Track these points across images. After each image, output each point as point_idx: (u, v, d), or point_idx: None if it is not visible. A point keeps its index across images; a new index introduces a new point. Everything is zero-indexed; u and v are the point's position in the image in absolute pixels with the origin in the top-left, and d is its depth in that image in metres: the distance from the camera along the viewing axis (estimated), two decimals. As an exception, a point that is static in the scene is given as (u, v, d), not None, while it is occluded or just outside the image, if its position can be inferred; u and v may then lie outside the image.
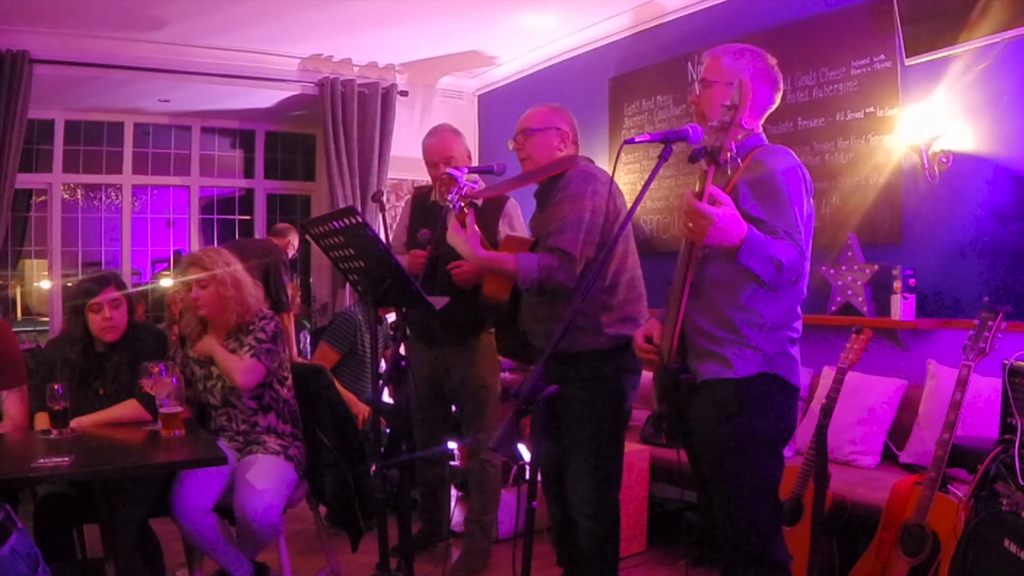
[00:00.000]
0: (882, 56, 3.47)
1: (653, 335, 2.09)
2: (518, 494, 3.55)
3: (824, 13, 3.73)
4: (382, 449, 3.11)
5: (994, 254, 3.13)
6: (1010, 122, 3.08)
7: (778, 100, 2.11)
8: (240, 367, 2.71)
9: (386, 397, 3.03)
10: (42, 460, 2.15)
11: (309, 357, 5.35)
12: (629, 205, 2.69)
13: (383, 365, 3.88)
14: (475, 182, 2.42)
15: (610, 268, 2.53)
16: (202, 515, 2.58)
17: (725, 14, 4.29)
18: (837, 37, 3.64)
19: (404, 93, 5.92)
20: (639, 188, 2.37)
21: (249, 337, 2.78)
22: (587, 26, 5.07)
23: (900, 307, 3.28)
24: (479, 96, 6.43)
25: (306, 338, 5.76)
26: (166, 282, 6.02)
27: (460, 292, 2.90)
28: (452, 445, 4.13)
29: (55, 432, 2.45)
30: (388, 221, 3.73)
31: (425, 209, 3.32)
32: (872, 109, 3.53)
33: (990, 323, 2.44)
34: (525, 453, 1.97)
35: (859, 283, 3.44)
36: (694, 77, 4.44)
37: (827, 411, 2.70)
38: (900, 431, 3.17)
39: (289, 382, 2.93)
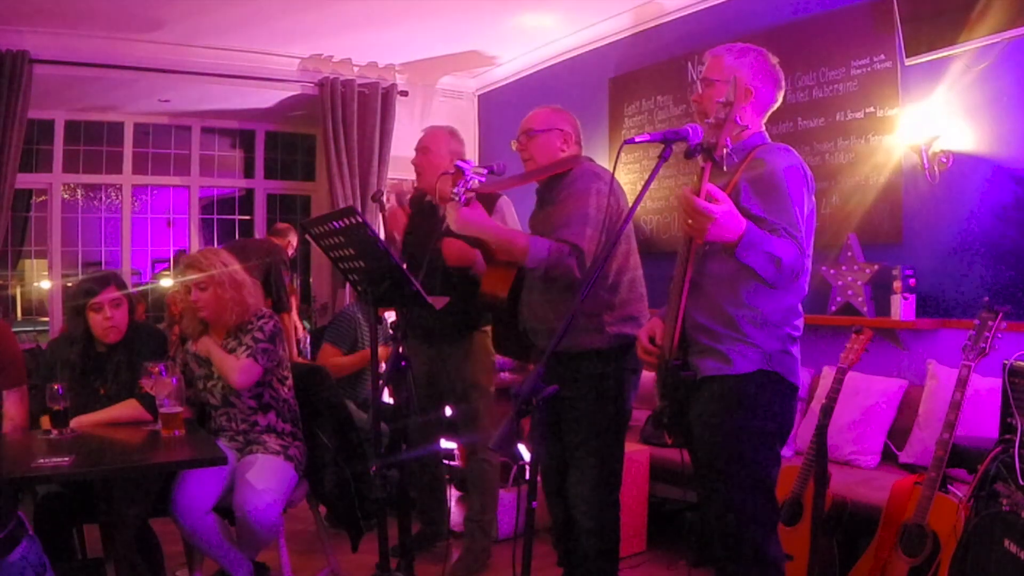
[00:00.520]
0: (882, 56, 3.47)
1: (656, 334, 2.10)
2: (518, 494, 3.55)
3: (824, 13, 3.73)
4: (382, 449, 3.11)
5: (994, 254, 3.13)
6: (1010, 122, 3.08)
7: (780, 99, 2.11)
8: (236, 367, 2.72)
9: (386, 397, 3.04)
10: (42, 460, 2.14)
11: (309, 357, 5.36)
12: (630, 205, 2.69)
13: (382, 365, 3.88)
14: (482, 175, 2.43)
15: (612, 267, 2.53)
16: (202, 515, 2.58)
17: (725, 14, 4.29)
18: (837, 37, 3.64)
19: (404, 93, 5.92)
20: (639, 188, 2.37)
21: (247, 337, 2.78)
22: (587, 26, 5.07)
23: (900, 307, 3.28)
24: (479, 96, 6.43)
25: (306, 338, 5.76)
26: (166, 282, 6.02)
27: (456, 290, 2.90)
28: (451, 445, 4.14)
29: (55, 432, 2.45)
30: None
31: (421, 210, 3.38)
32: (872, 109, 3.53)
33: (990, 323, 2.44)
34: (525, 453, 1.97)
35: (859, 283, 3.44)
36: (694, 77, 4.44)
37: (827, 411, 2.70)
38: (900, 431, 3.17)
39: (289, 382, 2.93)
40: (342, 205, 5.52)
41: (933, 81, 3.31)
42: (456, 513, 3.87)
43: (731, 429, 1.95)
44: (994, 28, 3.06)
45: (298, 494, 2.89)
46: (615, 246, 2.48)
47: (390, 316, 4.46)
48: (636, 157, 4.78)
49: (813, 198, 2.01)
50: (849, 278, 3.47)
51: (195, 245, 6.26)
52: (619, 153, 2.04)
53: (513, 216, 3.23)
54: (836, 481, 2.77)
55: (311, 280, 6.60)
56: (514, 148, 2.70)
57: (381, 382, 2.55)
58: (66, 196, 5.89)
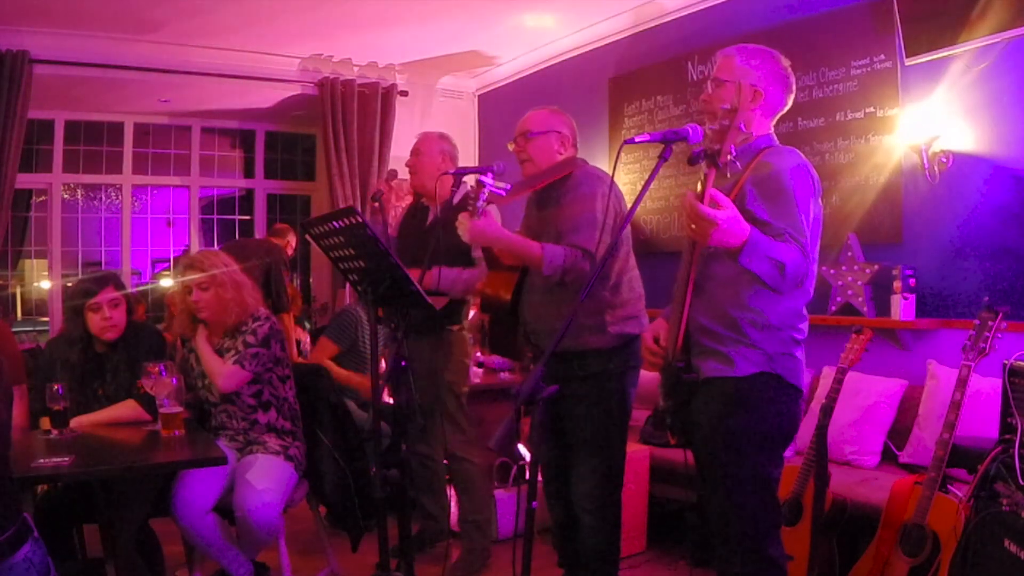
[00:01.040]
0: (882, 56, 3.47)
1: (660, 335, 2.10)
2: (518, 494, 3.55)
3: (824, 13, 3.73)
4: (382, 449, 3.11)
5: (994, 254, 3.13)
6: (1010, 122, 3.08)
7: (790, 102, 2.10)
8: (220, 371, 2.74)
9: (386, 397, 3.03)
10: (42, 460, 2.15)
11: (308, 357, 5.35)
12: (628, 205, 2.70)
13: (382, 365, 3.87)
14: (502, 190, 2.47)
15: (614, 268, 2.56)
16: (202, 515, 2.58)
17: (725, 14, 4.29)
18: (837, 37, 3.65)
19: (404, 93, 5.92)
20: (639, 188, 2.37)
21: (238, 341, 2.79)
22: (587, 26, 5.07)
23: (900, 307, 3.28)
24: (479, 96, 6.43)
25: (305, 338, 5.75)
26: (166, 282, 6.02)
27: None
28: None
29: (55, 432, 2.45)
30: (388, 221, 3.76)
31: (415, 213, 3.45)
32: (872, 109, 3.53)
33: (990, 323, 2.44)
34: (525, 453, 1.97)
35: (859, 283, 3.44)
36: (694, 77, 4.44)
37: (827, 411, 2.70)
38: (900, 431, 3.17)
39: (290, 381, 2.93)
40: (342, 205, 5.52)
41: (933, 81, 3.31)
42: (456, 513, 3.86)
43: (732, 430, 1.96)
44: (994, 28, 3.06)
45: (298, 494, 2.89)
46: (618, 247, 2.49)
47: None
48: (636, 157, 4.78)
49: (820, 202, 2.01)
50: (849, 278, 3.47)
51: (195, 245, 6.26)
52: (619, 153, 2.04)
53: (499, 218, 3.25)
54: (836, 481, 2.77)
55: (311, 280, 6.60)
56: (511, 149, 2.71)
57: (381, 382, 2.55)
58: (66, 196, 5.89)
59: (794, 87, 2.10)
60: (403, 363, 2.44)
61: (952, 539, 2.27)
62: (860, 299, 3.43)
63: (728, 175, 1.83)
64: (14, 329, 4.86)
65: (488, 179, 2.47)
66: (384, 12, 4.75)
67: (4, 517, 1.47)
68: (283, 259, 5.19)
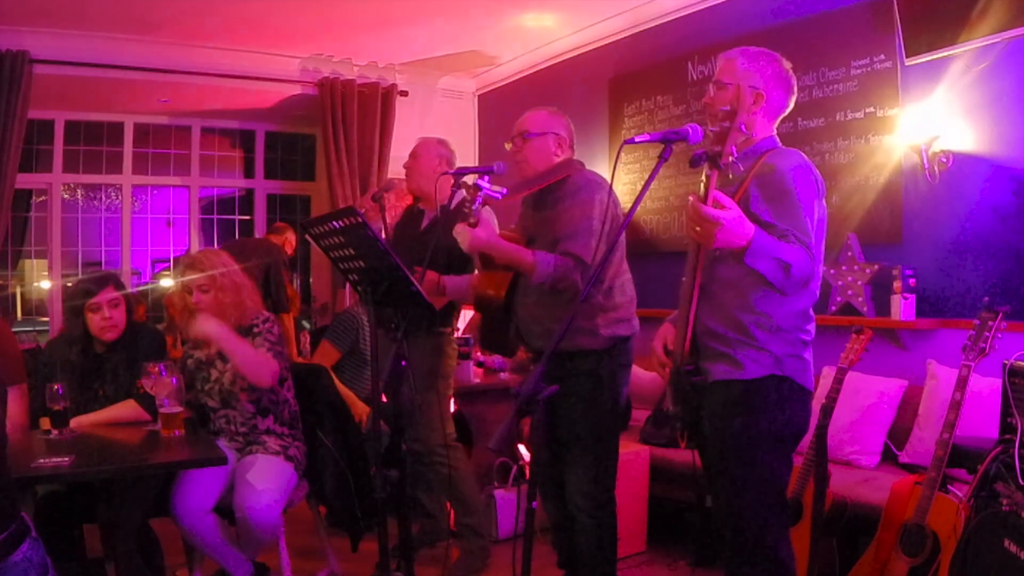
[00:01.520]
0: (882, 56, 3.47)
1: (668, 341, 2.11)
2: (518, 494, 3.55)
3: (824, 13, 3.73)
4: (382, 449, 3.11)
5: (994, 254, 3.13)
6: (1010, 122, 3.08)
7: (792, 104, 2.10)
8: (256, 360, 2.70)
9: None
10: (42, 460, 2.15)
11: (309, 357, 5.35)
12: (628, 205, 2.70)
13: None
14: (498, 193, 2.48)
15: (609, 272, 2.57)
16: (202, 515, 2.59)
17: (725, 14, 4.29)
18: (837, 37, 3.65)
19: (404, 93, 5.92)
20: (639, 188, 2.38)
21: (256, 339, 2.78)
22: (587, 26, 5.07)
23: (900, 307, 3.28)
24: (479, 96, 6.43)
25: (305, 338, 5.75)
26: (166, 282, 6.01)
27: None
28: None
29: (55, 432, 2.45)
30: (388, 221, 3.75)
31: (411, 217, 3.46)
32: (872, 109, 3.53)
33: (990, 323, 2.44)
34: (525, 453, 1.98)
35: (859, 283, 3.44)
36: (694, 77, 4.44)
37: (827, 411, 2.70)
38: (900, 431, 3.17)
39: (289, 382, 2.93)
40: (342, 205, 5.52)
41: (933, 81, 3.31)
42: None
43: (741, 432, 1.96)
44: (994, 28, 3.06)
45: (298, 494, 2.89)
46: (613, 253, 2.51)
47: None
48: (636, 157, 4.78)
49: (824, 203, 2.01)
50: (849, 278, 3.47)
51: (195, 245, 6.26)
52: (619, 153, 2.04)
53: (495, 224, 3.25)
54: (836, 481, 2.77)
55: (311, 280, 6.60)
56: (508, 148, 2.71)
57: (381, 382, 2.55)
58: (66, 196, 5.89)
59: (796, 90, 2.10)
60: (403, 363, 2.44)
61: (952, 539, 2.27)
62: (860, 299, 3.43)
63: (731, 176, 1.83)
64: (14, 329, 4.86)
65: (484, 182, 2.48)
66: (384, 12, 4.76)
67: (2, 516, 1.47)
68: (283, 259, 5.19)
